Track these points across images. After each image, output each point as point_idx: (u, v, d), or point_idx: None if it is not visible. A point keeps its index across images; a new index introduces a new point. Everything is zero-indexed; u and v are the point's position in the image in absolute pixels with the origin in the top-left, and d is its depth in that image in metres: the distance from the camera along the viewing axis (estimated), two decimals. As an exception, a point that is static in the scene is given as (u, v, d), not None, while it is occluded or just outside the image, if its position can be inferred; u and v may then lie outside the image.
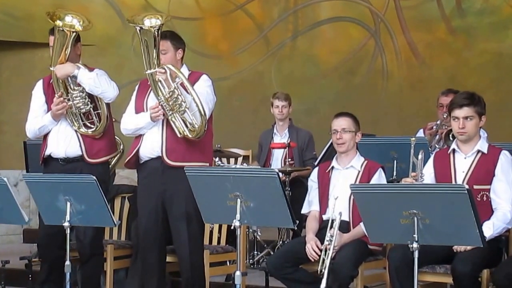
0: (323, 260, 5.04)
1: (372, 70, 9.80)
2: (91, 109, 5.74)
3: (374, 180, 5.39)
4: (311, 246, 5.22)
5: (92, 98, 5.74)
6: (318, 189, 5.52)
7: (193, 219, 5.43)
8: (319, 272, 5.02)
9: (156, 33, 5.30)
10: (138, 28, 5.32)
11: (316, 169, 5.68)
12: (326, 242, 5.09)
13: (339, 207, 5.22)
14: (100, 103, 5.75)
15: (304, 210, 5.60)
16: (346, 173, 5.47)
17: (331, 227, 5.10)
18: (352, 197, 5.25)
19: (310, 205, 5.55)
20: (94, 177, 5.04)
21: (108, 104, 5.79)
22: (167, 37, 5.50)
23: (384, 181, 5.44)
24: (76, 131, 5.75)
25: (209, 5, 10.11)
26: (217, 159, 7.16)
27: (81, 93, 5.70)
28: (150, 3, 9.89)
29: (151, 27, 5.29)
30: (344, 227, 5.31)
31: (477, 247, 4.34)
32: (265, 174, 4.67)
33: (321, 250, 5.12)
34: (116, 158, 6.58)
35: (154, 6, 9.78)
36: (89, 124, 5.76)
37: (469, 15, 9.50)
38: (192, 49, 9.43)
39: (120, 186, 6.62)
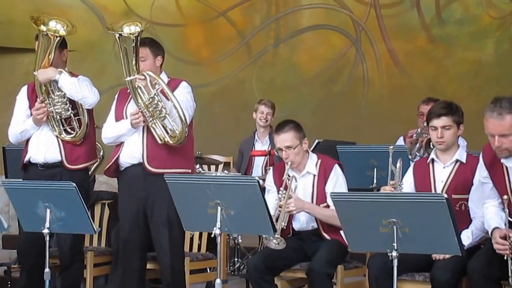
0: (278, 216, 5.15)
1: (353, 78, 9.85)
2: (72, 115, 5.73)
3: (332, 179, 5.41)
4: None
5: (73, 104, 5.74)
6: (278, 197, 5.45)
7: (174, 225, 5.43)
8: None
9: (135, 40, 5.31)
10: (117, 35, 5.33)
11: (270, 173, 5.63)
12: (279, 197, 5.17)
13: (304, 217, 5.35)
14: (81, 109, 5.74)
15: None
16: (303, 180, 5.46)
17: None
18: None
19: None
20: (74, 184, 5.02)
21: (90, 111, 5.79)
22: (146, 44, 5.51)
23: (341, 177, 5.44)
24: (57, 136, 5.75)
25: (191, 11, 10.13)
26: (197, 166, 7.17)
27: (62, 99, 5.70)
28: (132, 9, 9.92)
29: (130, 34, 5.30)
30: (315, 233, 5.37)
31: (456, 255, 4.36)
32: (246, 182, 4.67)
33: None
34: (95, 164, 6.57)
35: (136, 12, 9.79)
36: (70, 130, 5.76)
37: (449, 24, 9.57)
38: (174, 55, 9.48)
39: (100, 193, 6.62)
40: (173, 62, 9.44)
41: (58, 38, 5.63)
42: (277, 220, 5.16)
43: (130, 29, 5.32)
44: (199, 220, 4.77)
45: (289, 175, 5.36)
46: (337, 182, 5.44)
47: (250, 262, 5.40)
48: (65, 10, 9.32)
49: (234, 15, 10.07)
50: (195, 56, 10.07)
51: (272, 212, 4.95)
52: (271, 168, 5.83)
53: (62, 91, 5.68)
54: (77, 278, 5.90)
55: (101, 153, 6.64)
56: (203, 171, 7.26)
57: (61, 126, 5.74)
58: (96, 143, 6.10)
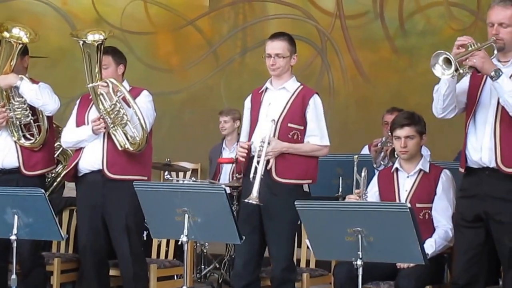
0: (255, 167, 5.04)
1: (318, 87, 9.85)
2: (31, 121, 5.76)
3: (311, 111, 5.23)
4: (240, 145, 5.23)
5: (33, 110, 5.76)
6: (250, 112, 5.38)
7: (133, 231, 5.52)
8: (251, 179, 5.00)
9: (98, 47, 5.40)
10: (81, 42, 5.42)
11: (250, 95, 5.49)
12: (258, 148, 5.07)
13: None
14: (41, 115, 5.77)
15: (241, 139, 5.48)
16: (277, 94, 5.29)
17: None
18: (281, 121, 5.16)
19: (246, 134, 5.41)
20: (43, 191, 5.05)
21: (49, 117, 5.81)
22: (108, 52, 5.58)
23: (320, 111, 5.26)
24: (15, 142, 5.75)
25: (160, 20, 10.18)
26: (166, 173, 7.21)
27: (22, 105, 5.72)
28: (102, 17, 9.95)
29: (94, 41, 5.40)
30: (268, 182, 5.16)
31: (420, 264, 4.42)
32: (213, 190, 4.73)
33: (249, 150, 5.15)
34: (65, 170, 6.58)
35: (107, 20, 9.82)
36: (29, 136, 5.77)
37: (412, 35, 9.68)
38: (144, 62, 9.53)
39: (69, 199, 6.61)
40: (143, 69, 9.49)
41: (21, 45, 5.67)
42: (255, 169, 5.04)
43: (94, 36, 5.42)
44: (167, 227, 4.81)
45: (274, 120, 5.20)
46: (317, 113, 5.25)
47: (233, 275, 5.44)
48: (38, 17, 9.33)
49: (202, 24, 10.13)
50: (165, 64, 10.11)
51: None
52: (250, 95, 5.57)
53: (22, 97, 5.70)
54: (40, 283, 5.89)
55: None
56: (171, 178, 7.29)
57: (20, 132, 5.75)
58: (67, 149, 6.12)
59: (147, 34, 10.11)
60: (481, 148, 4.56)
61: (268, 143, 5.10)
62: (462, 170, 4.69)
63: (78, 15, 9.88)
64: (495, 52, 4.52)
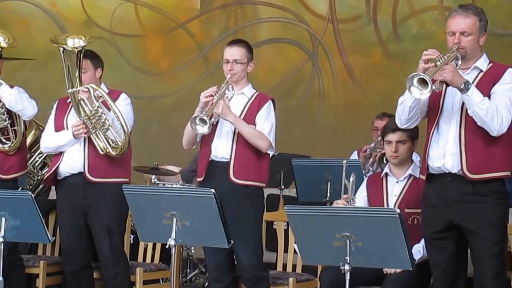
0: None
1: (309, 92, 9.92)
2: (8, 125, 5.74)
3: (263, 111, 5.37)
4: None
5: (10, 114, 5.75)
6: None
7: (115, 233, 5.55)
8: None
9: (78, 54, 5.41)
10: (61, 49, 5.43)
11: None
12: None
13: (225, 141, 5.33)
14: (18, 120, 5.78)
15: None
16: (236, 99, 5.40)
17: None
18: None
19: None
20: (30, 193, 5.04)
21: (24, 122, 5.81)
22: (87, 56, 5.59)
23: (272, 114, 5.41)
24: None
25: (150, 22, 10.15)
26: (153, 176, 7.19)
27: (0, 109, 5.71)
28: (92, 19, 9.92)
29: (74, 48, 5.40)
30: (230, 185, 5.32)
31: (407, 270, 4.42)
32: (201, 193, 4.70)
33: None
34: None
35: (96, 22, 9.80)
36: (4, 140, 5.76)
37: (405, 40, 9.69)
38: (133, 65, 9.50)
39: (55, 201, 6.57)
40: (132, 72, 9.46)
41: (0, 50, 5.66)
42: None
43: (74, 42, 5.44)
44: (155, 230, 4.80)
45: (228, 83, 5.34)
46: (268, 114, 5.39)
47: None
48: (26, 18, 9.30)
49: (193, 27, 10.12)
50: (154, 67, 10.07)
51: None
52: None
53: (0, 102, 5.69)
54: (21, 284, 5.89)
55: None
56: (159, 182, 7.27)
57: None
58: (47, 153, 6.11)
59: (137, 37, 10.10)
60: (444, 155, 4.60)
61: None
62: (423, 176, 4.74)
63: (67, 16, 9.85)
64: (459, 63, 4.56)
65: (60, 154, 5.62)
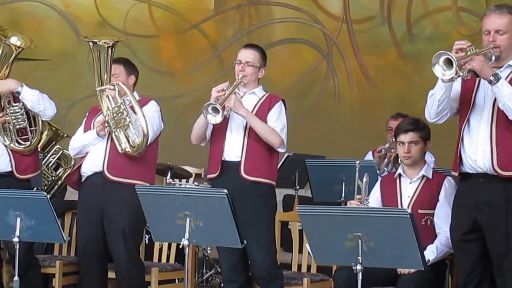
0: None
1: (324, 92, 9.93)
2: (27, 125, 5.79)
3: (274, 110, 5.39)
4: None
5: (28, 115, 5.80)
6: None
7: (129, 235, 5.53)
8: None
9: (109, 50, 5.46)
10: (91, 44, 5.49)
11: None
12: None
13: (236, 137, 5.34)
14: (37, 120, 5.82)
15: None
16: (247, 98, 5.42)
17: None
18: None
19: None
20: (45, 193, 5.08)
21: (43, 122, 5.86)
22: (120, 62, 5.66)
23: (283, 114, 5.43)
24: (6, 146, 5.77)
25: (164, 23, 10.18)
26: (168, 177, 7.21)
27: (20, 109, 5.75)
28: (106, 19, 9.95)
29: (104, 43, 5.47)
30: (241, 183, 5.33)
31: (421, 270, 4.43)
32: (215, 194, 4.73)
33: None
34: (67, 173, 6.61)
35: (110, 23, 9.83)
36: (21, 141, 5.80)
37: (419, 40, 9.69)
38: (147, 66, 9.52)
39: (71, 202, 6.63)
40: (146, 73, 9.44)
41: (18, 52, 5.71)
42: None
43: (105, 38, 5.51)
44: (168, 230, 4.82)
45: (242, 82, 5.37)
46: (280, 114, 5.41)
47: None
48: (41, 20, 9.34)
49: (207, 27, 10.14)
50: (168, 67, 10.11)
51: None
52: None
53: (20, 102, 5.73)
54: (38, 283, 5.91)
55: (72, 162, 6.68)
56: (174, 182, 7.29)
57: (12, 136, 5.77)
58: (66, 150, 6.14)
59: (151, 37, 10.13)
60: (476, 151, 4.59)
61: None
62: (455, 173, 4.73)
63: (81, 17, 9.89)
64: (493, 60, 4.54)
65: (84, 156, 5.66)
